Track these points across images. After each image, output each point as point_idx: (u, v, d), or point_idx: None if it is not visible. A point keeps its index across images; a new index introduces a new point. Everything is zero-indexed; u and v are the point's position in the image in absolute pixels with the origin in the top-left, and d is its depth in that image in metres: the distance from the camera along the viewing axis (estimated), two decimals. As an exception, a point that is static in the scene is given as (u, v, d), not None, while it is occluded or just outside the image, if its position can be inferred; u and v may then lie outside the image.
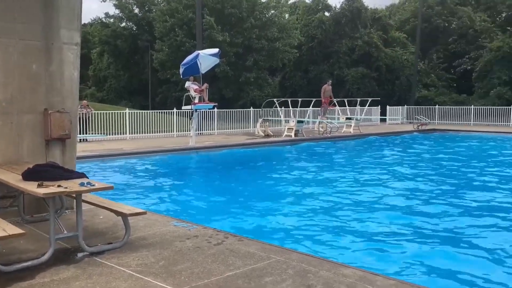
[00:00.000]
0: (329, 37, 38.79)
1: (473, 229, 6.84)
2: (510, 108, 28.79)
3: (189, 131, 18.30)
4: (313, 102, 22.83)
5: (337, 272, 4.12)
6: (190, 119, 17.98)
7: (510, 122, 28.38)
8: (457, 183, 10.72)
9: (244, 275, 4.04)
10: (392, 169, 12.66)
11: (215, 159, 14.88)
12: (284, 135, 20.38)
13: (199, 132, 20.81)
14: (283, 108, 22.60)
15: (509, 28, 39.70)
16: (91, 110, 18.59)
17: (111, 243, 4.87)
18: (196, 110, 16.81)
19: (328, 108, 23.75)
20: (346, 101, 26.75)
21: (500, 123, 28.51)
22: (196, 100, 16.50)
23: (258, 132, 21.14)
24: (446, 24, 44.07)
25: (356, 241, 6.17)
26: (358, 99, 26.59)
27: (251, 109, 23.85)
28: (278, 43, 32.60)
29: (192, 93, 16.37)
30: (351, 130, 23.13)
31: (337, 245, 6.01)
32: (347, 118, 24.41)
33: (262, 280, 3.92)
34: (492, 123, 28.90)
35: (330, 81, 25.27)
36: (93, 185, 4.40)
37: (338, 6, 39.76)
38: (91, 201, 5.22)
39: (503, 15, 46.60)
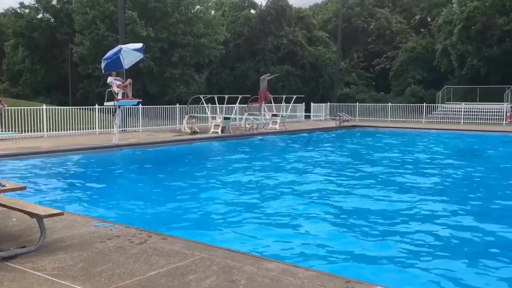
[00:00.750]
0: (255, 34, 39.19)
1: (369, 208, 7.25)
2: (423, 105, 30.76)
3: (112, 128, 17.70)
4: (239, 98, 22.95)
5: (260, 266, 4.18)
6: (113, 115, 17.39)
7: (423, 119, 30.31)
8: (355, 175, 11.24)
9: (167, 274, 3.98)
10: (312, 163, 13.07)
11: (139, 157, 14.51)
12: (210, 131, 20.33)
13: (123, 129, 20.20)
14: (209, 104, 22.52)
15: (422, 30, 42.37)
16: (3, 106, 17.41)
17: (25, 246, 4.59)
18: (119, 106, 16.29)
19: (261, 104, 23.79)
20: (272, 98, 27.14)
21: (414, 119, 30.37)
22: (119, 96, 16.00)
23: (185, 129, 20.92)
24: (365, 25, 46.15)
25: (281, 235, 6.29)
26: (284, 96, 27.12)
27: (177, 105, 23.54)
28: (204, 39, 32.37)
29: (115, 88, 15.85)
30: (277, 126, 23.56)
31: (262, 240, 6.10)
32: (273, 115, 24.81)
33: (186, 278, 3.89)
34: (407, 119, 30.70)
35: (269, 74, 25.36)
36: (3, 186, 4.13)
37: (264, 4, 40.29)
38: (2, 203, 4.88)
39: (417, 17, 49.70)
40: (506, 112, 28.48)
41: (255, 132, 21.80)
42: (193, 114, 22.61)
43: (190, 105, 23.18)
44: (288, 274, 3.98)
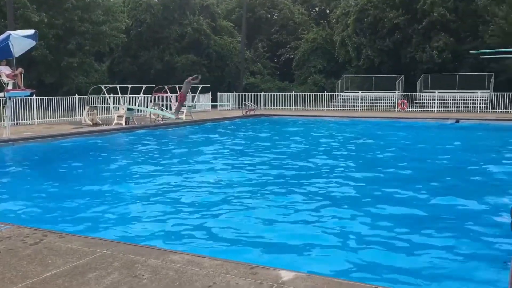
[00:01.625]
0: (158, 22, 38.18)
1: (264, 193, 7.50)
2: (324, 94, 32.14)
3: (3, 121, 16.32)
4: (143, 88, 22.29)
5: (165, 259, 4.11)
6: (3, 107, 16.03)
7: (324, 107, 31.68)
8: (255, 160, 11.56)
9: (65, 274, 3.76)
10: (215, 152, 13.11)
11: (33, 151, 13.53)
12: (114, 123, 19.56)
13: (15, 122, 18.77)
14: (112, 95, 21.61)
15: (322, 21, 44.08)
16: None
17: None
18: (9, 97, 15.04)
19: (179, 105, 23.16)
20: (177, 88, 26.69)
21: (317, 108, 31.66)
22: (10, 87, 14.76)
23: (85, 121, 19.89)
24: (269, 15, 47.02)
25: (187, 226, 6.23)
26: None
27: (76, 96, 22.29)
28: (104, 26, 30.82)
29: (4, 78, 14.60)
30: (183, 116, 23.28)
31: (168, 233, 6.00)
32: (179, 105, 24.42)
33: (85, 277, 3.70)
34: (310, 107, 31.92)
35: (196, 76, 24.54)
36: None
37: (166, -10, 39.20)
38: None
39: (317, 9, 51.61)
40: (397, 99, 30.71)
41: (161, 122, 21.35)
42: (94, 105, 21.57)
43: (90, 96, 22.05)
44: (193, 265, 3.96)
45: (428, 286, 4.48)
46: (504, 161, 11.90)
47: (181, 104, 22.91)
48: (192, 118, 23.68)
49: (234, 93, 34.73)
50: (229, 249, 5.38)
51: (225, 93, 34.10)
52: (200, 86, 25.93)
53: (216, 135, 18.22)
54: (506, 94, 27.17)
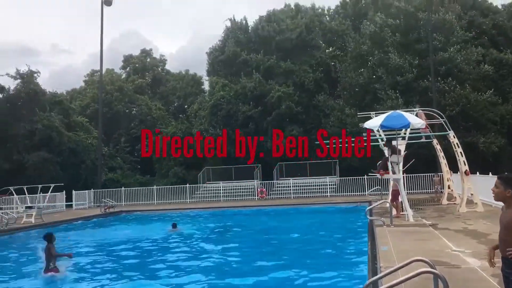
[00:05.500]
0: (3, 119, 35.54)
1: None
2: (186, 186, 32.25)
3: None
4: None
5: None
6: None
7: (187, 199, 31.65)
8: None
9: None
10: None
11: None
12: None
13: None
14: None
15: (180, 115, 45.37)
16: None
17: None
18: None
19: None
20: (25, 189, 24.45)
21: (180, 200, 31.47)
22: None
23: None
24: (127, 110, 46.99)
25: None
26: (40, 186, 24.73)
27: None
28: None
29: None
30: (33, 219, 21.26)
31: None
32: (27, 207, 22.37)
33: None
34: (173, 200, 31.61)
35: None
36: None
37: (12, 87, 37.13)
38: None
39: (175, 104, 53.29)
40: (257, 188, 32.05)
41: (5, 228, 19.16)
42: None
43: None
44: None
45: None
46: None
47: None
48: (42, 220, 21.70)
49: (92, 190, 33.00)
50: None
51: (81, 191, 32.22)
52: (52, 185, 24.16)
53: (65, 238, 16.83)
54: (349, 179, 30.12)
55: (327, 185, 31.24)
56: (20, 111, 36.25)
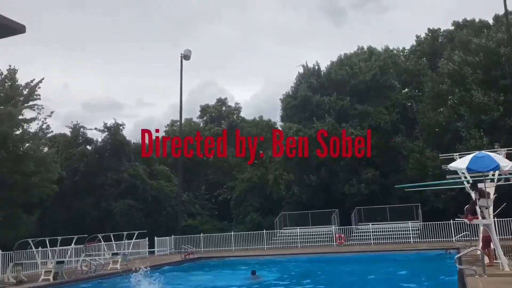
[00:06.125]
0: (92, 170, 38.03)
1: None
2: (263, 232, 32.21)
3: None
4: (75, 239, 21.30)
5: None
6: None
7: (264, 245, 31.52)
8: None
9: None
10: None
11: None
12: (40, 279, 18.17)
13: None
14: (40, 248, 20.39)
15: (256, 161, 45.98)
16: None
17: None
18: None
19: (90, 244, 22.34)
20: (112, 236, 25.73)
21: (257, 246, 31.42)
22: None
23: (9, 279, 18.33)
24: (204, 158, 48.53)
25: None
26: (125, 233, 25.94)
27: (0, 252, 20.78)
28: (35, 178, 30.14)
29: None
30: (118, 266, 22.13)
31: None
32: (113, 254, 23.40)
33: None
34: (250, 246, 31.63)
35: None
36: None
37: (100, 139, 39.86)
38: None
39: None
40: (334, 233, 31.26)
41: (93, 274, 20.08)
42: (19, 261, 20.10)
43: (16, 251, 20.65)
44: None
45: None
46: None
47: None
48: (127, 267, 22.50)
49: (172, 236, 33.95)
50: None
51: (163, 238, 33.24)
52: (136, 232, 25.23)
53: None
54: (433, 223, 28.56)
55: (409, 230, 29.78)
56: (107, 162, 38.64)
